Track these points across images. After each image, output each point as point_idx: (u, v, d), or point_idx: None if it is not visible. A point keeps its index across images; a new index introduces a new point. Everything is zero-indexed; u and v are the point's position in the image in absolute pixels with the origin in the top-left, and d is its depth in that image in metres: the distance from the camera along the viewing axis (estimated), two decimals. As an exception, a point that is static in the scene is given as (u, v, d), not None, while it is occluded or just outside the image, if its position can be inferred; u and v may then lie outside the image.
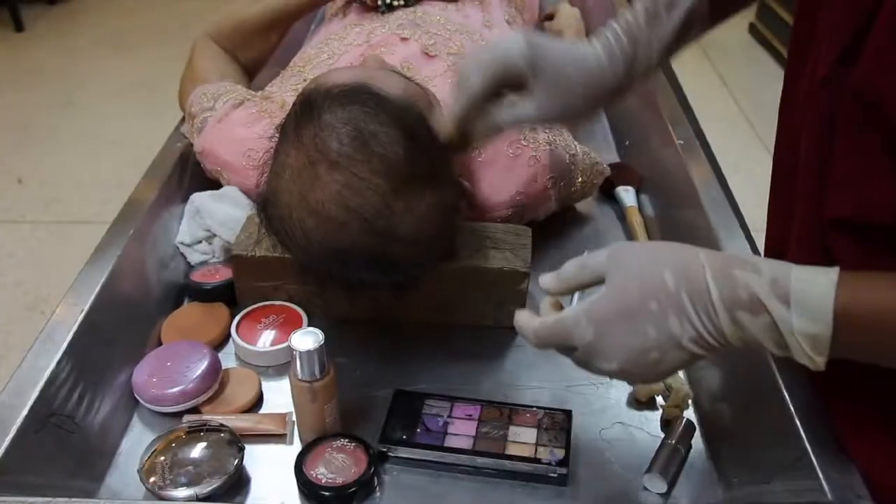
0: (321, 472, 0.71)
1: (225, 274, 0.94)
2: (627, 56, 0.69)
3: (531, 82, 0.68)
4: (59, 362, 0.74)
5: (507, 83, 0.69)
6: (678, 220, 1.03)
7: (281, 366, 0.86)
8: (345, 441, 0.74)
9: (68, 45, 3.75)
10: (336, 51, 1.12)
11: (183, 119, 1.11)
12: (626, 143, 1.29)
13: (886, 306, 0.53)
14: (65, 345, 0.75)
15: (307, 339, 0.71)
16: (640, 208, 1.12)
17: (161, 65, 3.44)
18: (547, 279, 0.65)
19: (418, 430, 0.76)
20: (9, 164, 2.82)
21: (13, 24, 3.74)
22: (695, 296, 0.56)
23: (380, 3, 1.24)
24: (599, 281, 0.61)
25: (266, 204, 0.79)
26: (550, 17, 1.66)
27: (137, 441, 0.78)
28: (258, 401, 0.82)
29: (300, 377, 0.72)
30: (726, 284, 0.56)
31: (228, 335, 0.89)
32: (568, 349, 0.63)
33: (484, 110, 0.71)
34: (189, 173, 1.05)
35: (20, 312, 2.21)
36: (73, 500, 0.62)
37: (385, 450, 0.75)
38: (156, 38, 3.74)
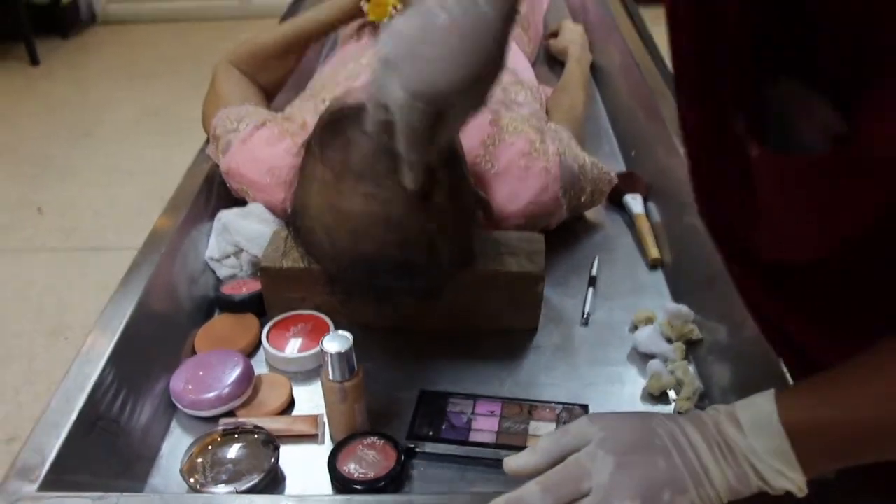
0: (353, 468, 0.75)
1: (253, 286, 0.98)
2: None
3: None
4: (102, 371, 0.78)
5: None
6: (685, 225, 1.07)
7: (310, 371, 0.90)
8: (374, 438, 0.78)
9: (82, 77, 3.84)
10: (352, 72, 1.17)
11: (207, 141, 1.16)
12: (633, 153, 1.33)
13: (834, 416, 0.57)
14: (107, 355, 0.80)
15: (337, 342, 0.76)
16: (648, 215, 1.16)
17: (173, 94, 3.54)
18: (522, 457, 0.62)
19: (443, 426, 0.80)
20: (29, 195, 2.88)
21: (29, 58, 3.82)
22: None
23: (392, 26, 1.29)
24: (583, 444, 0.60)
25: (294, 216, 0.84)
26: (555, 35, 1.71)
27: (177, 444, 0.82)
28: (290, 404, 0.87)
29: (331, 378, 0.77)
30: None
31: (259, 344, 0.93)
32: (578, 497, 0.58)
33: None
34: (215, 192, 1.10)
35: (43, 339, 2.26)
36: (124, 494, 0.66)
37: (413, 446, 0.79)
38: (167, 69, 3.83)
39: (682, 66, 0.65)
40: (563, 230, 1.11)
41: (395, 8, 1.29)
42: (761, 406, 0.59)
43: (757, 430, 0.59)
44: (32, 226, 2.72)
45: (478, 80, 0.64)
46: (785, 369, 0.76)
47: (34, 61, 3.84)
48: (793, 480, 0.58)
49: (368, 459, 0.76)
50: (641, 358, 0.91)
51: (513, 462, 0.61)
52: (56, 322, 2.31)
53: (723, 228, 0.73)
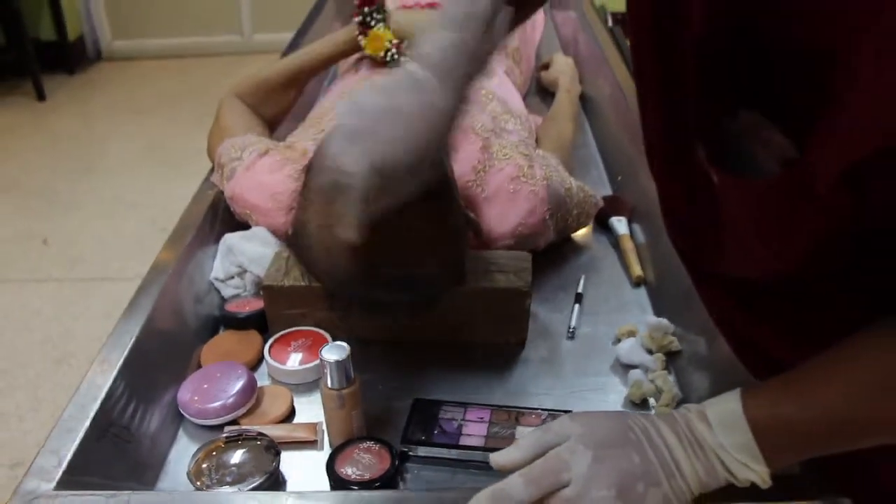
0: (350, 470, 0.80)
1: (256, 305, 1.03)
2: (460, 94, 0.72)
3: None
4: (114, 381, 0.83)
5: None
6: (666, 245, 1.12)
7: (310, 383, 0.95)
8: (370, 443, 0.83)
9: (88, 112, 3.92)
10: (350, 103, 1.23)
11: (212, 169, 1.22)
12: (619, 178, 1.39)
13: (791, 410, 0.62)
14: (118, 367, 0.85)
15: (335, 351, 0.81)
16: (632, 236, 1.21)
17: (176, 128, 3.62)
18: (506, 453, 0.66)
19: (435, 431, 0.85)
20: (34, 227, 2.95)
21: (35, 93, 3.91)
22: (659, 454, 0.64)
23: (388, 58, 1.36)
24: (563, 440, 0.64)
25: (295, 236, 0.89)
26: (546, 67, 1.78)
27: (184, 451, 0.87)
28: (290, 413, 0.91)
29: (330, 386, 0.81)
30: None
31: (261, 358, 0.98)
32: (558, 488, 0.62)
33: None
34: (220, 217, 1.15)
35: (49, 366, 2.30)
36: (136, 492, 0.71)
37: (406, 450, 0.83)
38: (170, 104, 3.91)
39: (647, 98, 0.71)
40: (552, 251, 1.16)
41: (390, 42, 1.35)
42: (728, 404, 0.64)
43: (724, 426, 0.63)
44: (38, 257, 2.79)
45: (426, 159, 0.71)
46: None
47: (41, 97, 3.93)
48: (757, 473, 0.63)
49: (364, 462, 0.81)
50: (624, 368, 0.96)
51: (498, 457, 0.66)
52: (61, 351, 2.35)
53: (690, 249, 0.79)
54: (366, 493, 0.75)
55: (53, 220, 3.00)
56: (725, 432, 0.63)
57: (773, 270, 0.66)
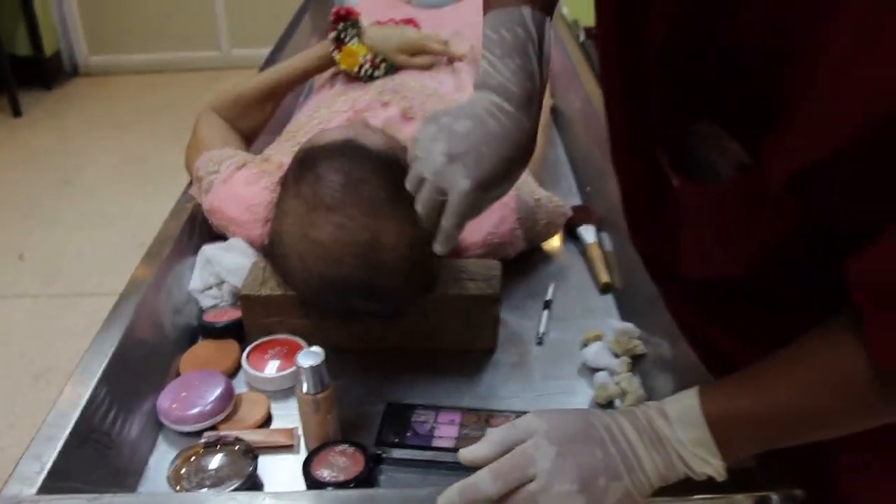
0: (326, 473, 0.83)
1: (233, 314, 1.06)
2: (538, 112, 0.78)
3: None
4: (94, 389, 0.85)
5: None
6: (632, 253, 1.16)
7: (286, 389, 0.97)
8: (345, 446, 0.86)
9: (64, 127, 3.92)
10: (325, 116, 1.26)
11: (190, 183, 1.25)
12: (588, 188, 1.43)
13: (749, 406, 0.65)
14: (98, 375, 0.87)
15: (310, 357, 0.84)
16: (600, 244, 1.25)
17: (153, 143, 3.62)
18: (475, 449, 0.68)
19: (408, 434, 0.88)
20: (11, 242, 2.94)
21: (11, 109, 3.90)
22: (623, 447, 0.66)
23: (362, 73, 1.40)
24: (529, 436, 0.67)
25: (272, 246, 0.92)
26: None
27: (164, 457, 0.89)
28: (268, 419, 0.94)
29: (305, 391, 0.84)
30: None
31: (239, 366, 1.00)
32: (524, 482, 0.65)
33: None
34: (198, 229, 1.18)
35: (26, 382, 2.30)
36: (116, 495, 0.73)
37: (380, 452, 0.86)
38: (147, 119, 3.92)
39: (613, 108, 0.75)
40: (522, 260, 1.20)
41: (364, 57, 1.39)
42: (686, 400, 0.67)
43: (682, 421, 0.66)
44: (14, 272, 2.78)
45: (517, 165, 0.78)
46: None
47: (17, 112, 3.92)
48: (713, 466, 0.66)
49: (339, 465, 0.84)
50: (590, 372, 1.00)
51: (467, 453, 0.69)
52: (38, 366, 2.35)
53: (651, 251, 0.83)
54: (340, 493, 0.78)
55: (30, 236, 2.99)
56: (683, 428, 0.66)
57: (730, 272, 0.70)
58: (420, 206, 0.78)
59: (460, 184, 0.73)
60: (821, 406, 0.64)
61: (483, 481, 0.65)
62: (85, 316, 2.54)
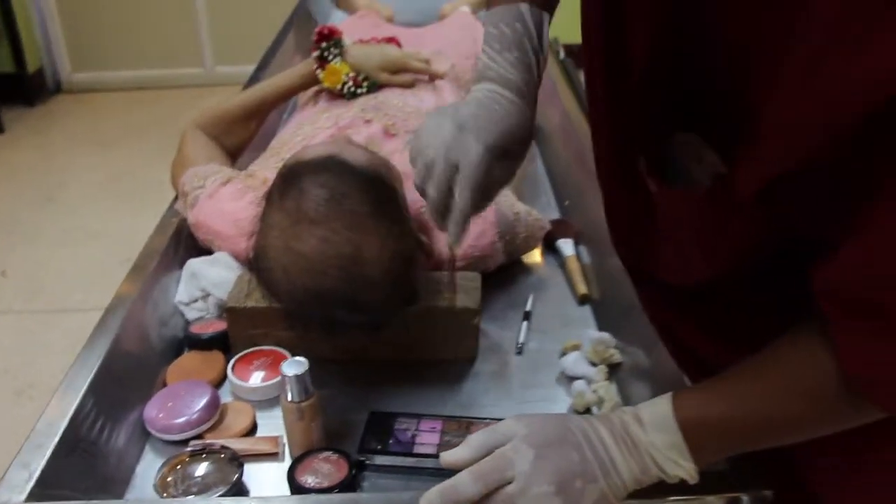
0: (310, 479, 0.85)
1: (219, 326, 1.08)
2: (533, 99, 0.83)
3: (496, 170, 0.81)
4: (82, 399, 0.87)
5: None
6: (610, 265, 1.19)
7: (271, 399, 0.99)
8: (329, 453, 0.88)
9: (48, 144, 3.92)
10: (309, 133, 1.29)
11: (176, 198, 1.27)
12: (566, 202, 1.46)
13: (721, 411, 0.68)
14: (86, 385, 0.89)
15: (295, 366, 0.86)
16: (578, 257, 1.28)
17: (136, 160, 3.63)
18: (456, 452, 0.70)
19: (391, 441, 0.90)
20: (-6, 258, 2.94)
21: (-6, 126, 3.90)
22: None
23: (345, 91, 1.42)
24: (508, 440, 0.69)
25: (256, 259, 0.94)
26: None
27: (151, 465, 0.90)
28: (253, 428, 0.96)
29: (290, 399, 0.86)
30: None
31: (225, 376, 1.02)
32: (503, 484, 0.67)
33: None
34: (183, 243, 1.20)
35: (9, 398, 2.29)
36: (105, 501, 0.75)
37: (363, 459, 0.88)
38: (131, 135, 3.92)
39: (597, 119, 0.79)
40: (502, 272, 1.23)
41: (347, 75, 1.42)
42: (660, 406, 0.70)
43: (656, 426, 0.69)
44: (-3, 288, 2.78)
45: (519, 142, 0.81)
46: (689, 383, 0.87)
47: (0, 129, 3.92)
48: (686, 469, 0.68)
49: (324, 471, 0.86)
50: (569, 380, 1.02)
51: (448, 456, 0.71)
52: (21, 382, 2.35)
53: (631, 255, 0.86)
54: (324, 497, 0.80)
55: (13, 252, 2.99)
56: (657, 432, 0.69)
57: (706, 277, 0.73)
58: (433, 188, 0.79)
59: (473, 149, 0.76)
60: (790, 412, 0.66)
61: (463, 483, 0.67)
62: (68, 332, 2.54)
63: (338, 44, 1.44)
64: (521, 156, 0.83)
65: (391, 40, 1.59)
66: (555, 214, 1.45)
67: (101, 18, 4.36)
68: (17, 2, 4.07)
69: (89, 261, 2.91)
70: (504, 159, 0.80)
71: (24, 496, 0.75)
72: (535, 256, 1.31)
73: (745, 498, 0.76)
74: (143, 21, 4.37)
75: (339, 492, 0.83)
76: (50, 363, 2.41)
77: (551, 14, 0.84)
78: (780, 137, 0.55)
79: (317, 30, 1.46)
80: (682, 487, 0.70)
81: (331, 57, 1.43)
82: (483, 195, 0.80)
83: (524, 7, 0.81)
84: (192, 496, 0.82)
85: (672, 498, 0.75)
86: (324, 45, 1.44)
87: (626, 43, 0.67)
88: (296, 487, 0.84)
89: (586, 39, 0.74)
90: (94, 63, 4.46)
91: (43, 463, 0.79)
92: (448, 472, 0.72)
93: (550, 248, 1.32)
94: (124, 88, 4.47)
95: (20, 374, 2.37)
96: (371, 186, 0.92)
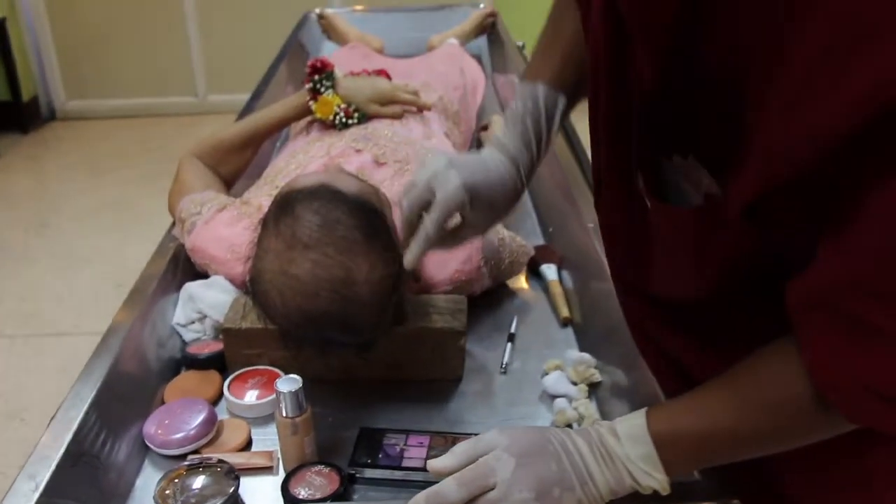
0: (303, 491, 0.89)
1: (215, 347, 1.12)
2: (528, 169, 0.92)
3: (469, 213, 0.89)
4: (85, 414, 0.91)
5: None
6: (591, 289, 1.25)
7: (266, 416, 1.03)
8: (321, 467, 0.92)
9: (41, 170, 3.97)
10: (302, 162, 1.34)
11: (173, 224, 1.31)
12: (550, 229, 1.52)
13: (692, 424, 0.72)
14: (89, 401, 0.93)
15: (289, 383, 0.90)
16: (561, 281, 1.33)
17: (129, 187, 3.67)
18: (442, 460, 0.75)
19: (380, 455, 0.94)
20: (-13, 283, 2.97)
21: (-13, 153, 3.94)
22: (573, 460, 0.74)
23: (337, 122, 1.48)
24: (491, 449, 0.73)
25: (252, 282, 0.99)
26: (485, 128, 1.92)
27: (150, 479, 0.94)
28: (248, 443, 1.00)
29: (284, 415, 0.91)
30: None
31: (221, 395, 1.07)
32: (485, 491, 0.71)
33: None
34: (181, 268, 1.25)
35: (1, 421, 2.31)
36: (109, 510, 0.79)
37: (354, 472, 0.93)
38: (122, 163, 3.97)
39: (598, 136, 0.83)
40: (488, 295, 1.28)
41: (338, 107, 1.47)
42: (635, 420, 0.74)
43: (630, 439, 0.73)
44: (-10, 312, 2.81)
45: (502, 196, 0.90)
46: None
47: (-7, 156, 3.96)
48: (658, 481, 0.72)
49: (316, 484, 0.90)
50: (551, 398, 1.07)
51: (435, 463, 0.75)
52: (14, 405, 2.37)
53: (622, 268, 0.91)
54: (315, 506, 0.85)
55: (7, 276, 3.02)
56: (631, 445, 0.73)
57: (694, 289, 0.77)
58: (406, 203, 0.88)
59: (451, 181, 0.86)
60: (761, 425, 0.70)
61: (448, 489, 0.72)
62: (60, 356, 2.57)
63: (330, 76, 1.50)
64: (504, 212, 0.93)
65: (381, 72, 1.65)
66: (539, 241, 1.51)
67: (95, 48, 4.44)
68: (13, 31, 4.14)
69: (81, 285, 2.94)
70: (486, 210, 0.90)
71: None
72: (520, 281, 1.36)
73: (715, 507, 0.81)
74: (136, 50, 4.45)
75: (331, 503, 0.87)
76: (42, 387, 2.44)
77: (572, 99, 0.93)
78: (766, 157, 0.58)
79: (310, 63, 1.53)
80: (655, 497, 0.75)
81: (323, 89, 1.49)
82: (453, 235, 0.90)
83: (541, 87, 0.90)
84: (191, 507, 0.86)
85: (645, 506, 0.79)
86: (316, 77, 1.50)
87: (630, 66, 0.70)
88: (289, 499, 0.88)
89: (594, 57, 0.76)
90: (89, 91, 4.52)
91: (48, 475, 0.83)
92: (435, 483, 0.76)
93: (535, 273, 1.37)
94: (118, 116, 4.52)
95: (12, 398, 2.40)
96: (361, 213, 0.97)
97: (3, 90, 4.17)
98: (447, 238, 0.92)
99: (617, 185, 0.80)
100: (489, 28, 2.71)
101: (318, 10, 2.81)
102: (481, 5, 2.87)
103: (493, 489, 0.71)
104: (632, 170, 0.76)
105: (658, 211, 0.73)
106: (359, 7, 3.09)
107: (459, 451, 0.75)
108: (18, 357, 2.59)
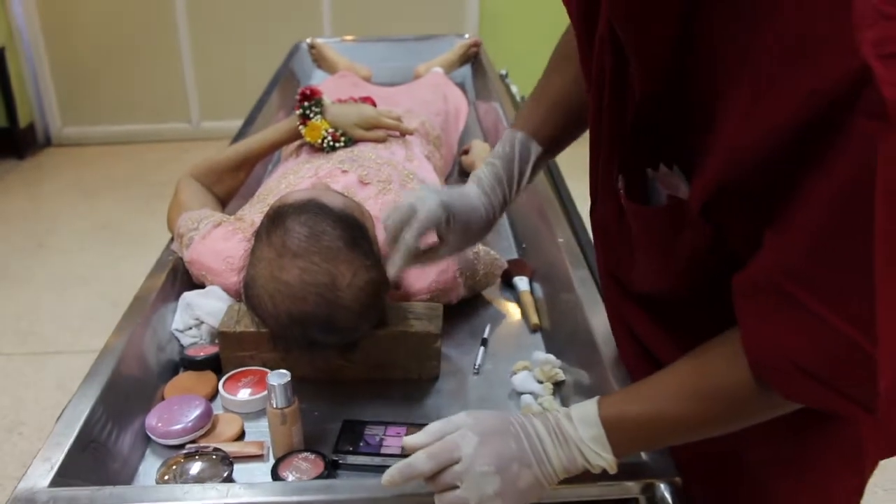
0: (291, 475, 0.98)
1: (211, 350, 1.22)
2: (500, 203, 1.05)
3: (446, 233, 1.01)
4: (93, 407, 1.01)
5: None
6: (559, 300, 1.35)
7: (257, 412, 1.13)
8: (307, 454, 1.02)
9: (38, 194, 4.05)
10: (292, 182, 1.45)
11: (171, 240, 1.42)
12: (523, 245, 1.63)
13: (638, 410, 0.81)
14: (96, 396, 1.02)
15: (279, 377, 1.00)
16: (532, 292, 1.44)
17: (123, 210, 3.77)
18: (415, 437, 0.83)
19: (361, 444, 1.04)
20: (-15, 303, 3.04)
21: (-16, 178, 4.03)
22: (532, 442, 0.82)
23: (325, 145, 1.59)
24: (458, 428, 0.82)
25: (246, 287, 1.09)
26: (466, 152, 2.03)
27: (151, 466, 1.04)
28: (241, 435, 1.09)
29: (274, 406, 1.00)
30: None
31: (216, 393, 1.16)
32: (451, 464, 0.80)
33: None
34: (179, 278, 1.34)
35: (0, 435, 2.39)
36: (116, 487, 0.88)
37: (337, 458, 1.02)
38: (117, 186, 4.06)
39: (600, 151, 0.91)
40: (464, 304, 1.38)
41: (326, 131, 1.58)
42: (587, 406, 0.83)
43: (583, 422, 0.82)
44: (-13, 331, 2.88)
45: (476, 221, 1.04)
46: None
47: (-9, 181, 4.05)
48: (607, 461, 0.81)
49: (303, 468, 0.99)
50: (518, 396, 1.17)
51: (409, 439, 0.84)
52: (11, 420, 2.44)
53: (608, 262, 1.00)
54: (299, 484, 0.94)
55: (4, 296, 3.10)
56: (584, 428, 0.82)
57: (664, 283, 0.86)
58: (391, 220, 0.99)
59: (431, 199, 0.98)
60: (702, 412, 0.79)
61: (419, 461, 0.81)
62: (59, 372, 2.64)
63: (318, 103, 1.62)
64: (477, 237, 1.06)
65: (367, 100, 1.77)
66: (513, 255, 1.61)
67: (91, 76, 4.54)
68: (11, 60, 4.25)
69: (77, 304, 3.02)
70: (461, 233, 1.02)
71: (47, 482, 0.88)
72: (494, 291, 1.46)
73: (659, 484, 0.90)
74: (131, 78, 4.55)
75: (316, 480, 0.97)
76: (39, 402, 2.51)
77: (551, 149, 1.07)
78: (726, 156, 0.66)
79: (300, 90, 1.64)
80: (604, 476, 0.83)
81: (312, 115, 1.60)
82: (431, 253, 1.02)
83: (519, 135, 1.04)
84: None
85: (596, 483, 0.87)
86: (306, 104, 1.61)
87: (629, 84, 0.77)
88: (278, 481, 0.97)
89: (599, 71, 0.83)
90: (84, 118, 4.62)
91: (62, 456, 0.92)
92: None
93: (508, 284, 1.48)
94: (113, 142, 4.62)
95: (10, 413, 2.47)
96: (345, 225, 1.08)
97: (1, 117, 4.26)
98: (425, 255, 1.03)
99: (611, 191, 0.88)
100: (473, 57, 2.84)
101: (309, 40, 2.90)
102: (466, 35, 2.97)
103: (458, 462, 0.80)
104: (614, 172, 0.84)
105: (630, 211, 0.83)
106: (348, 37, 3.19)
107: (430, 429, 0.84)
108: (16, 374, 2.67)
